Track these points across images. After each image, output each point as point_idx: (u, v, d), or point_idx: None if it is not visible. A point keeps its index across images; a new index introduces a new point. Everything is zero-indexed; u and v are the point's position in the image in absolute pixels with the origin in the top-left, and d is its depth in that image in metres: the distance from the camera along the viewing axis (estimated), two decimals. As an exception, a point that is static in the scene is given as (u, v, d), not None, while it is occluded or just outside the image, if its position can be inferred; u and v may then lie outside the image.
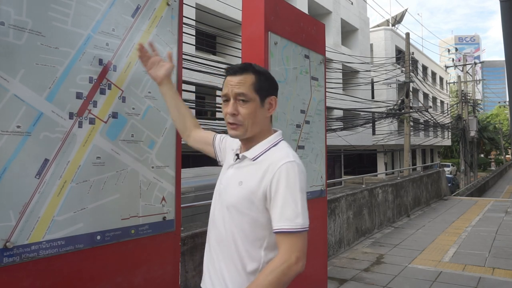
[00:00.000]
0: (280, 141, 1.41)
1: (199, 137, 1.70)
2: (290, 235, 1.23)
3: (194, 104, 10.87)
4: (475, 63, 34.02)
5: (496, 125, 53.50)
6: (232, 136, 1.40)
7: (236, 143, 1.49)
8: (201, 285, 1.45)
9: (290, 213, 1.23)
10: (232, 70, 1.36)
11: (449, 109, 34.95)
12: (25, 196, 1.40)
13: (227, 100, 1.36)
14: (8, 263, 1.36)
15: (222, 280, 1.34)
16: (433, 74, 39.02)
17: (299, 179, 1.27)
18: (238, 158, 1.40)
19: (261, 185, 1.28)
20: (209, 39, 15.75)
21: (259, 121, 1.36)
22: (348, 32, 24.37)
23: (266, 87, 1.37)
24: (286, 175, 1.26)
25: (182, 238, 2.67)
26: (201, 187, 4.67)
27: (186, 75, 9.91)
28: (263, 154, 1.35)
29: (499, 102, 53.05)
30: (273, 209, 1.27)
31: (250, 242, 1.31)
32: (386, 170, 28.92)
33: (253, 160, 1.35)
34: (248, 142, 1.40)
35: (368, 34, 26.12)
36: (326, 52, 3.46)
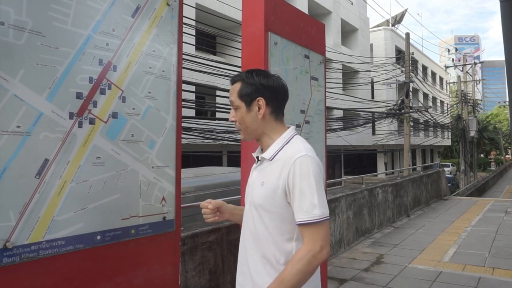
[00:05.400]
0: (293, 137, 1.45)
1: None
2: (311, 226, 1.30)
3: (194, 104, 10.87)
4: (475, 63, 33.96)
5: (496, 125, 53.51)
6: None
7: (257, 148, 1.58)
8: (236, 280, 1.53)
9: (307, 206, 1.31)
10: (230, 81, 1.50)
11: (449, 109, 34.95)
12: (25, 196, 1.40)
13: None
14: (8, 263, 1.36)
15: (255, 272, 1.40)
16: (433, 74, 39.03)
17: (313, 170, 1.33)
18: (258, 160, 1.49)
19: (280, 182, 1.36)
20: (209, 39, 15.76)
21: (251, 125, 1.45)
22: (348, 32, 24.37)
23: (250, 91, 1.43)
24: (300, 169, 1.32)
25: (182, 238, 2.67)
26: (201, 187, 4.66)
27: (186, 75, 9.92)
28: (278, 153, 1.41)
29: (499, 102, 53.04)
30: (293, 203, 1.34)
31: (280, 237, 1.38)
32: (386, 170, 28.92)
33: (271, 160, 1.42)
34: (260, 143, 1.50)
35: (368, 34, 26.12)
36: (326, 52, 3.46)
